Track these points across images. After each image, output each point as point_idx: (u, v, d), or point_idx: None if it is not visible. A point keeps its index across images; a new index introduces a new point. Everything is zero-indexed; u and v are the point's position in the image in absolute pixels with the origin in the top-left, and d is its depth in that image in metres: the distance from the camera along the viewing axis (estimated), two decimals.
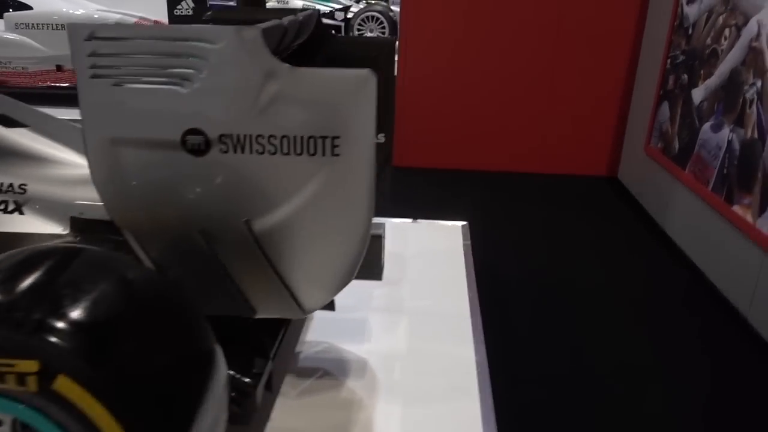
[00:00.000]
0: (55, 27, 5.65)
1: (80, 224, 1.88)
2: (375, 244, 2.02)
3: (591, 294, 3.60)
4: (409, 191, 4.77)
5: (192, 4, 5.18)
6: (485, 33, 5.17)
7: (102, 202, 1.58)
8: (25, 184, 1.89)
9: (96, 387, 1.15)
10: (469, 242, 3.20)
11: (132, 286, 1.37)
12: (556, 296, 3.51)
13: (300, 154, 1.48)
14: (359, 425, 1.89)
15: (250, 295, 1.65)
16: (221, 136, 1.47)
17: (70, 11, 5.94)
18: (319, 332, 2.38)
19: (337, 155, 1.48)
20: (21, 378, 1.12)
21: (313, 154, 1.48)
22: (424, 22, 5.17)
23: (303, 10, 2.15)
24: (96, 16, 6.02)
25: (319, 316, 2.46)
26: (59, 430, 1.17)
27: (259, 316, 1.68)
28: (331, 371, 2.16)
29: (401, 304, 2.62)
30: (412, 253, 3.11)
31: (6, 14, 5.75)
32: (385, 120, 2.26)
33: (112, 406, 1.16)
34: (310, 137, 1.46)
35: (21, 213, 1.88)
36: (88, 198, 1.88)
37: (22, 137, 1.95)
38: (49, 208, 1.89)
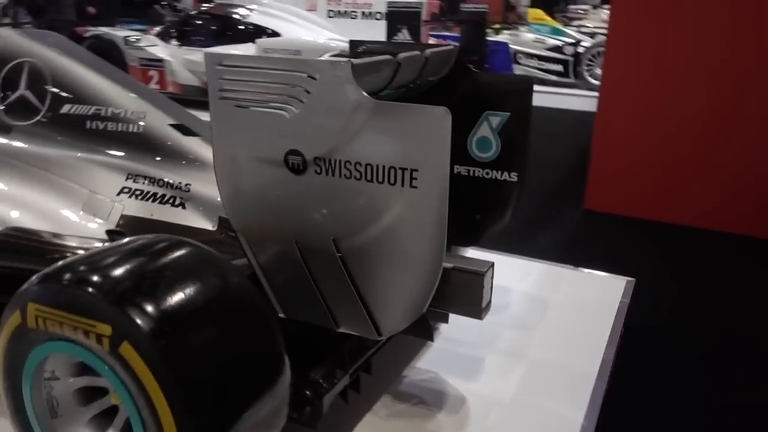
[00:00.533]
0: (291, 53, 6.43)
1: (226, 223, 2.15)
2: (476, 282, 1.99)
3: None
4: (588, 236, 4.49)
5: (408, 36, 5.53)
6: (685, 80, 4.68)
7: (223, 206, 1.80)
8: (189, 184, 2.23)
9: (152, 360, 1.34)
10: (627, 300, 2.93)
11: (213, 281, 1.56)
12: (713, 376, 2.91)
13: (381, 182, 1.54)
14: None
15: (333, 308, 1.75)
16: (316, 158, 1.60)
17: (311, 39, 6.72)
18: (431, 361, 2.40)
19: (415, 187, 1.51)
20: (99, 338, 1.36)
21: (393, 184, 1.53)
22: (629, 67, 4.84)
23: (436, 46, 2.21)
24: (333, 44, 6.66)
25: (437, 346, 2.48)
26: (123, 388, 1.39)
27: (340, 329, 1.77)
28: (427, 401, 2.17)
29: (525, 350, 2.51)
30: (560, 300, 2.95)
31: (258, 40, 6.73)
32: (518, 158, 2.23)
33: (162, 381, 1.35)
34: (391, 167, 1.52)
35: (183, 208, 2.22)
36: None
37: (193, 144, 2.31)
38: (205, 206, 2.21)
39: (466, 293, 2.01)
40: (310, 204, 1.66)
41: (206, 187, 2.23)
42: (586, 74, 9.37)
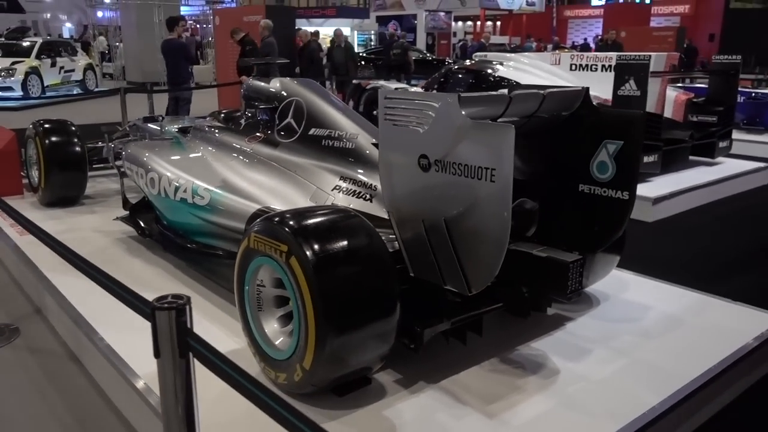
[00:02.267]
0: None
1: None
2: (562, 268, 2.50)
3: None
4: None
5: (634, 86, 5.83)
6: None
7: (382, 191, 2.63)
8: (376, 186, 3.12)
9: (307, 273, 2.20)
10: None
11: (360, 237, 2.36)
12: None
13: (473, 177, 2.22)
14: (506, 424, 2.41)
15: (442, 269, 2.44)
16: (436, 160, 2.34)
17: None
18: (545, 344, 2.87)
19: (493, 182, 2.16)
20: (281, 253, 2.27)
21: (480, 179, 2.20)
22: None
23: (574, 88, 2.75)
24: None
25: (556, 335, 2.95)
26: (291, 289, 2.27)
27: (446, 287, 2.45)
28: (526, 368, 2.68)
29: (634, 351, 2.81)
30: (694, 322, 3.13)
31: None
32: (629, 180, 2.67)
33: (311, 290, 2.19)
34: (479, 167, 2.19)
35: (371, 202, 3.10)
36: None
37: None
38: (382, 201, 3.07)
39: (555, 277, 2.53)
40: (432, 193, 2.39)
41: None
42: None
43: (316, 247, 2.23)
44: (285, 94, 3.77)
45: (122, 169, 4.35)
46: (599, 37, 23.46)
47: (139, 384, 2.50)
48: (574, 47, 26.28)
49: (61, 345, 3.34)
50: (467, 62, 9.47)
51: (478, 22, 30.16)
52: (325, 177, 3.34)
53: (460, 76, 8.73)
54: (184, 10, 23.68)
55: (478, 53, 9.48)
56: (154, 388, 2.42)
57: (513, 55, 9.00)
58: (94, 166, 5.59)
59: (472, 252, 2.31)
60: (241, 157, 3.76)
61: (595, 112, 2.76)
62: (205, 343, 1.22)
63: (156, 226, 4.11)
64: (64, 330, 3.39)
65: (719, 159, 7.51)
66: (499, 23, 34.15)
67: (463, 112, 2.23)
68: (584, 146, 2.78)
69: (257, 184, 3.50)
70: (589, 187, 2.80)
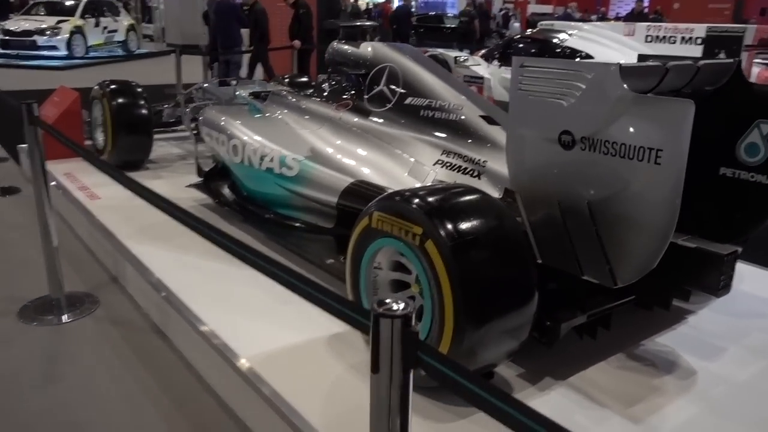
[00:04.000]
0: None
1: (508, 193, 2.76)
2: (716, 261, 2.25)
3: None
4: None
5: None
6: None
7: (508, 169, 2.40)
8: (486, 161, 2.88)
9: (446, 257, 1.99)
10: None
11: (497, 220, 2.14)
12: None
13: (632, 159, 1.97)
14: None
15: (581, 258, 2.21)
16: (582, 137, 2.09)
17: (618, 60, 6.97)
18: (672, 339, 2.65)
19: (659, 164, 1.91)
20: (414, 236, 2.07)
21: (641, 160, 1.95)
22: None
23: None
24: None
25: (682, 331, 2.72)
26: (424, 276, 2.07)
27: (584, 277, 2.22)
28: (657, 365, 2.46)
29: None
30: None
31: None
32: None
33: (450, 275, 1.98)
34: (640, 147, 1.95)
35: (479, 179, 2.88)
36: None
37: (494, 131, 2.96)
38: (494, 179, 2.83)
39: (705, 271, 2.29)
40: (573, 174, 2.15)
41: (498, 164, 2.85)
42: None
43: (455, 230, 2.02)
44: (377, 59, 3.53)
45: (197, 134, 4.17)
46: (644, 8, 22.22)
47: (243, 369, 2.34)
48: (617, 19, 25.19)
49: (142, 316, 3.21)
50: (528, 31, 9.08)
51: None
52: (424, 150, 3.11)
53: (523, 45, 8.36)
54: None
55: (543, 22, 9.04)
56: (261, 374, 2.27)
57: (582, 24, 8.57)
58: (155, 130, 5.43)
59: (624, 241, 2.07)
60: (329, 126, 3.55)
61: (748, 89, 2.48)
62: (439, 355, 1.03)
63: (232, 194, 3.95)
64: (146, 302, 3.26)
65: None
66: None
67: (624, 85, 1.98)
68: (731, 126, 2.50)
69: (349, 155, 3.29)
70: (733, 171, 2.53)
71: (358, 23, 4.41)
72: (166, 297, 2.96)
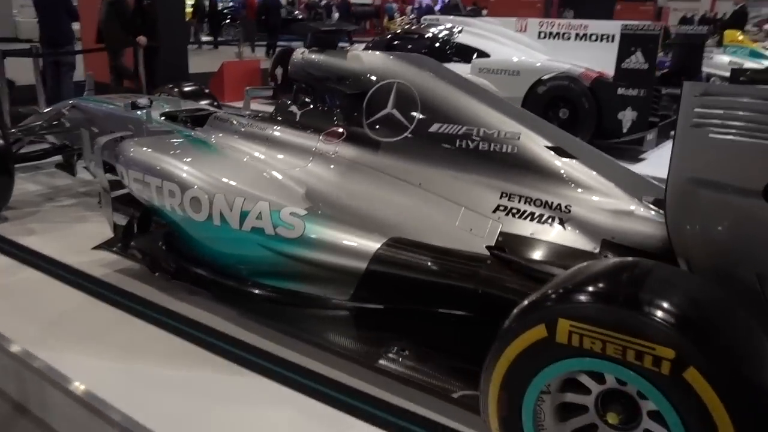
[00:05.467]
0: (509, 73, 6.48)
1: (610, 247, 2.17)
2: None
3: None
4: None
5: (642, 59, 5.41)
6: None
7: (669, 227, 1.82)
8: (569, 206, 2.28)
9: (720, 386, 1.34)
10: None
11: (742, 314, 1.53)
12: None
13: None
14: None
15: None
16: None
17: (522, 59, 6.75)
18: None
19: None
20: (657, 361, 1.39)
21: None
22: None
23: None
24: (555, 65, 6.43)
25: None
26: (676, 415, 1.40)
27: None
28: None
29: None
30: None
31: (474, 60, 6.86)
32: None
33: (730, 407, 1.34)
34: None
35: (564, 228, 2.26)
36: (621, 227, 2.19)
37: (571, 167, 2.36)
38: (585, 228, 2.24)
39: None
40: None
41: (587, 209, 2.25)
42: None
43: (726, 350, 1.38)
44: (376, 73, 2.74)
45: (109, 180, 3.02)
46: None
47: None
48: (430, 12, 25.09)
49: None
50: (413, 26, 8.57)
51: None
52: (474, 193, 2.43)
53: (404, 42, 7.83)
54: None
55: (427, 17, 8.56)
56: None
57: (471, 19, 8.23)
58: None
59: None
60: (320, 163, 2.70)
61: None
62: None
63: (173, 256, 2.91)
64: None
65: None
66: None
67: None
68: None
69: (370, 204, 2.50)
70: None
71: (334, 27, 3.54)
72: None
